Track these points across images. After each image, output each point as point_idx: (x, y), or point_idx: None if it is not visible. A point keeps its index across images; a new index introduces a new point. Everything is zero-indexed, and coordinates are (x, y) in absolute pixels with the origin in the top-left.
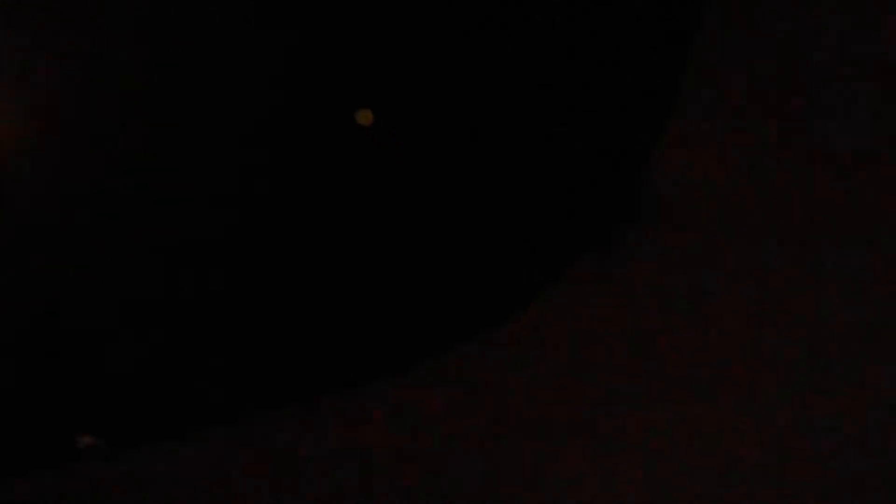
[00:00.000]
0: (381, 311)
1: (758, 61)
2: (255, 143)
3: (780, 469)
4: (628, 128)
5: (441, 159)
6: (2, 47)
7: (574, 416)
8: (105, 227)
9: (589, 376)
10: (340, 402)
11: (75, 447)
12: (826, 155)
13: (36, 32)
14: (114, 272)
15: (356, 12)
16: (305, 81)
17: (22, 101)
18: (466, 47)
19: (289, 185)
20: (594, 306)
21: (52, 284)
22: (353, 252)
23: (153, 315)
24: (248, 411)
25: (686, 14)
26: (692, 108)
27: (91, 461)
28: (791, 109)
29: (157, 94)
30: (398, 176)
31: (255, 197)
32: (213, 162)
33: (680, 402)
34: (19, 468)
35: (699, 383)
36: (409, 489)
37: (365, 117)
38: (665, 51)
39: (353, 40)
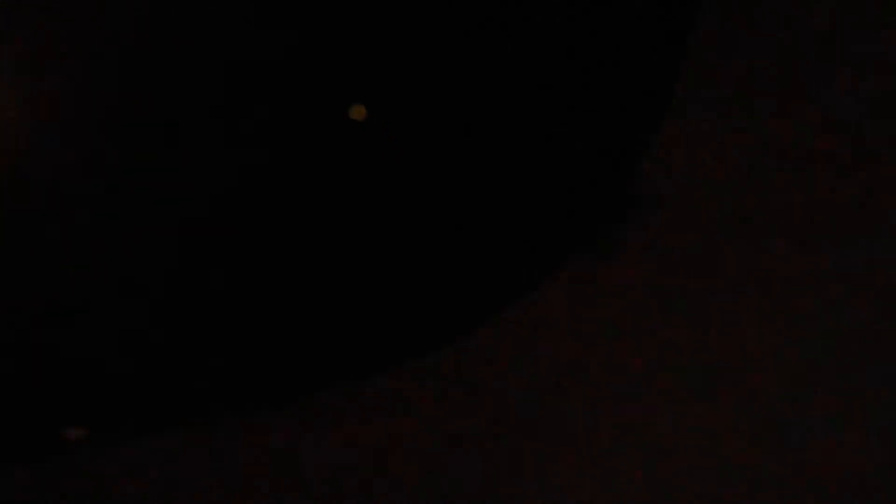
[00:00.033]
0: (372, 307)
1: (757, 60)
2: (248, 138)
3: (778, 467)
4: (624, 124)
5: (435, 155)
6: (1, 47)
7: (571, 413)
8: (95, 219)
9: (585, 374)
10: (333, 400)
11: (61, 439)
12: (825, 155)
13: (34, 32)
14: (106, 266)
15: (348, 5)
16: (298, 76)
17: (19, 100)
18: (460, 44)
19: (282, 181)
20: (590, 304)
21: (42, 278)
22: (346, 248)
23: (144, 308)
24: (240, 407)
25: (682, 11)
26: (689, 105)
27: (77, 453)
28: (790, 108)
29: (148, 90)
30: (391, 172)
31: (249, 192)
32: (206, 157)
33: (678, 401)
34: (3, 460)
35: (697, 381)
36: (406, 487)
37: (358, 112)
38: (661, 48)
39: (345, 34)
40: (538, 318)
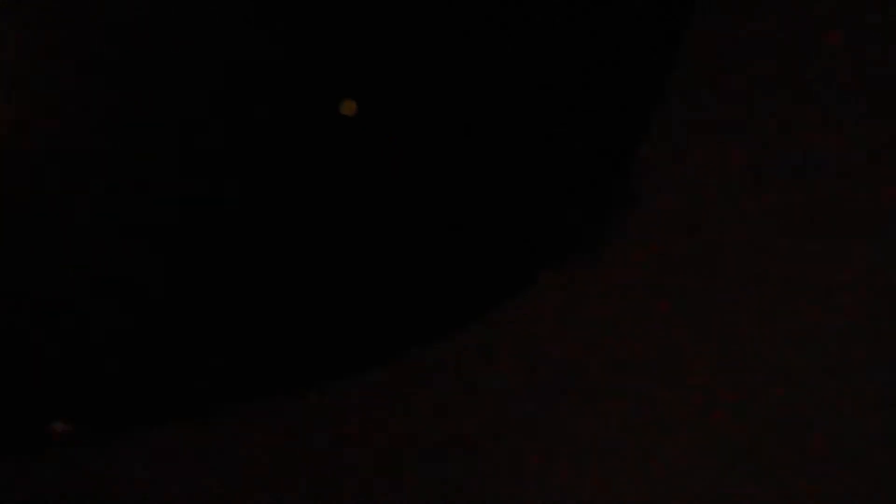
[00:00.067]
0: (362, 302)
1: (752, 59)
2: (242, 133)
3: (772, 464)
4: (616, 124)
5: (426, 150)
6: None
7: (569, 411)
8: (81, 214)
9: (583, 372)
10: (328, 399)
11: (47, 433)
12: (819, 155)
13: (32, 31)
14: (94, 263)
15: (339, 2)
16: (290, 72)
17: (15, 99)
18: (453, 46)
19: (276, 176)
20: (586, 302)
21: (29, 274)
22: (337, 243)
23: (133, 303)
24: (233, 402)
25: (676, 13)
26: (680, 107)
27: (63, 447)
28: (785, 110)
29: (142, 86)
30: (382, 167)
31: (243, 187)
32: (200, 153)
33: (675, 398)
34: None
35: (694, 379)
36: (404, 485)
37: (349, 108)
38: (652, 49)
39: (336, 30)
40: (535, 317)
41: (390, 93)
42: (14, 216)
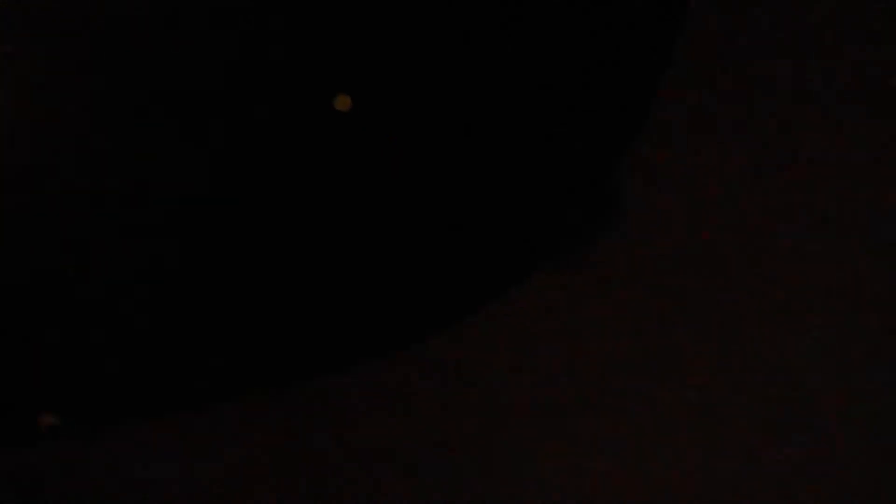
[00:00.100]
0: (354, 296)
1: (746, 62)
2: (236, 128)
3: (765, 461)
4: (607, 122)
5: (420, 146)
6: None
7: (563, 408)
8: (70, 207)
9: (577, 369)
10: (320, 396)
11: (37, 426)
12: (811, 155)
13: (28, 32)
14: (84, 256)
15: None
16: (283, 66)
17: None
18: (447, 36)
19: (270, 171)
20: (580, 300)
21: (20, 267)
22: (329, 238)
23: (124, 295)
24: (223, 397)
25: (668, 12)
26: (672, 106)
27: (53, 441)
28: (777, 111)
29: (136, 82)
30: (376, 162)
31: (235, 181)
32: (194, 148)
33: (670, 397)
34: None
35: (690, 379)
36: (397, 481)
37: (343, 103)
38: (641, 50)
39: (330, 25)
40: (531, 314)
41: (385, 88)
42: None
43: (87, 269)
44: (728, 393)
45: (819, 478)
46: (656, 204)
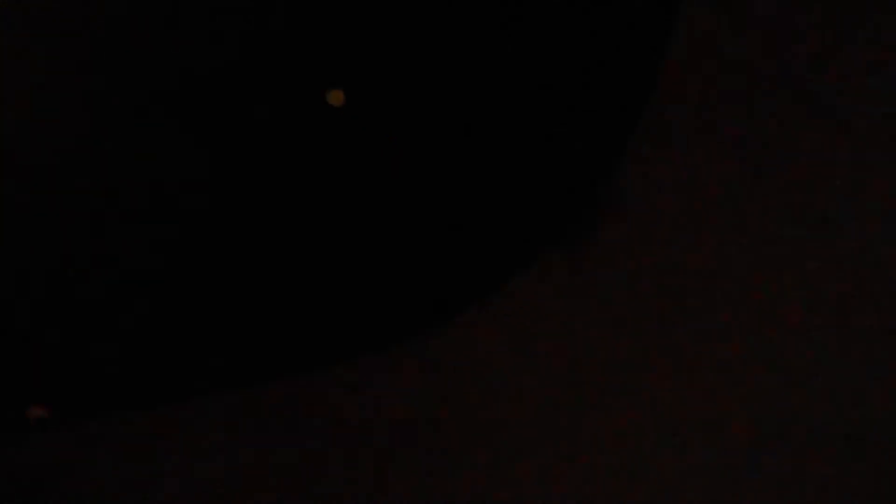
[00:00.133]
0: (350, 291)
1: (746, 62)
2: (227, 123)
3: (763, 460)
4: (603, 120)
5: (413, 141)
6: None
7: (556, 406)
8: (66, 204)
9: (566, 369)
10: (308, 392)
11: (26, 418)
12: (811, 155)
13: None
14: (80, 247)
15: None
16: (276, 61)
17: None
18: (441, 31)
19: (261, 166)
20: (574, 297)
21: (9, 260)
22: (324, 231)
23: (115, 286)
24: (213, 390)
25: (662, 10)
26: (668, 104)
27: (41, 433)
28: (777, 111)
29: (126, 78)
30: (369, 157)
31: (227, 177)
32: (186, 143)
33: (665, 394)
34: None
35: (681, 376)
36: (388, 476)
37: (336, 98)
38: (639, 47)
39: (323, 19)
40: (527, 313)
41: (378, 83)
42: None
43: (78, 264)
44: (727, 392)
45: (818, 477)
46: (656, 204)
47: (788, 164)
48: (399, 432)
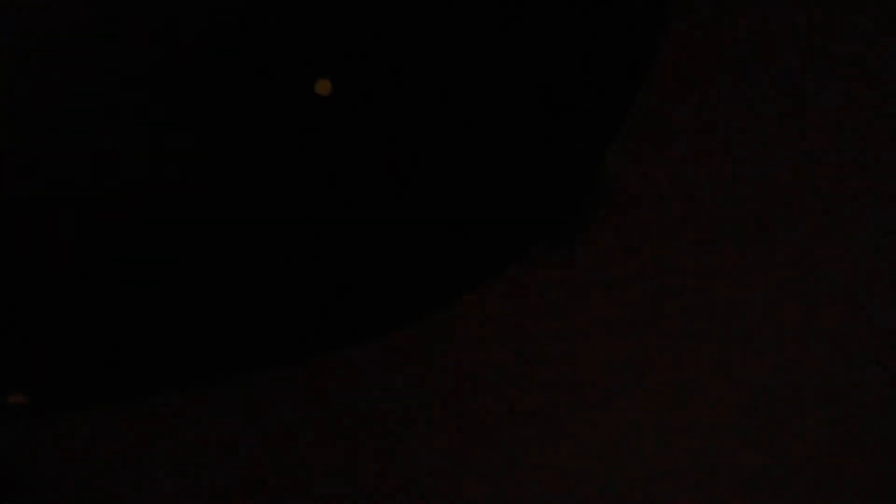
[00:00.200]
0: (341, 281)
1: (746, 62)
2: (214, 113)
3: (762, 459)
4: (591, 116)
5: (401, 131)
6: None
7: (550, 405)
8: (52, 190)
9: (562, 368)
10: (308, 392)
11: (6, 404)
12: (811, 154)
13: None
14: (63, 236)
15: None
16: (263, 50)
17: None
18: (430, 18)
19: (248, 155)
20: (558, 291)
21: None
22: (312, 222)
23: (97, 278)
24: (199, 382)
25: (651, 10)
26: (672, 106)
27: (21, 420)
28: (777, 111)
29: (111, 67)
30: (357, 147)
31: (214, 166)
32: (173, 133)
33: (660, 394)
34: None
35: (680, 375)
36: (388, 480)
37: (324, 87)
38: (630, 41)
39: (310, 8)
40: (522, 311)
41: (366, 72)
42: None
43: (61, 252)
44: (726, 391)
45: (817, 477)
46: (655, 203)
47: (787, 164)
48: (400, 434)
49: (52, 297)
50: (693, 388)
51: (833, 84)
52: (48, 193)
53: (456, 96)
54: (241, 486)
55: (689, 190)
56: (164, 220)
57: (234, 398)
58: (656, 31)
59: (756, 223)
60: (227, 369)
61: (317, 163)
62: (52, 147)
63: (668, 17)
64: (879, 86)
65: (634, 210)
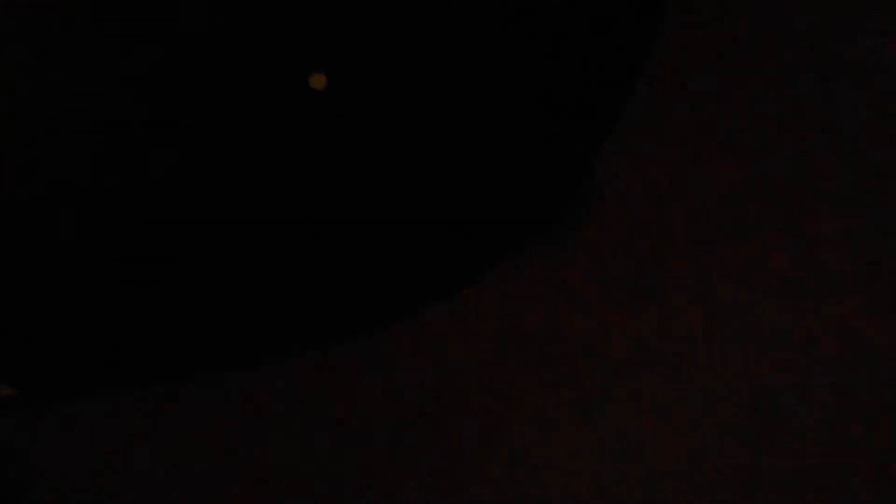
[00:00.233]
0: (333, 275)
1: (745, 61)
2: (209, 107)
3: (737, 450)
4: (584, 114)
5: (395, 126)
6: None
7: (527, 398)
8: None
9: (558, 367)
10: (308, 392)
11: None
12: (810, 155)
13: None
14: (56, 231)
15: None
16: (258, 44)
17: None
18: (424, 13)
19: (242, 149)
20: (549, 288)
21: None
22: (306, 215)
23: (87, 272)
24: (191, 375)
25: (646, 8)
26: (672, 107)
27: (7, 412)
28: (777, 111)
29: (105, 63)
30: (351, 141)
31: (209, 160)
32: (168, 129)
33: (658, 392)
34: None
35: (678, 374)
36: (388, 480)
37: (318, 81)
38: (620, 43)
39: (305, 3)
40: (517, 309)
41: (360, 67)
42: None
43: (61, 251)
44: (724, 390)
45: (817, 477)
46: (653, 202)
47: (786, 164)
48: (399, 434)
49: (51, 296)
50: (692, 388)
51: (832, 84)
52: (48, 193)
53: (450, 93)
54: (241, 486)
55: (686, 189)
56: (163, 218)
57: (233, 398)
58: (649, 31)
59: (753, 223)
60: (223, 363)
61: (311, 157)
62: (52, 147)
63: (663, 17)
64: (879, 86)
65: (631, 208)
